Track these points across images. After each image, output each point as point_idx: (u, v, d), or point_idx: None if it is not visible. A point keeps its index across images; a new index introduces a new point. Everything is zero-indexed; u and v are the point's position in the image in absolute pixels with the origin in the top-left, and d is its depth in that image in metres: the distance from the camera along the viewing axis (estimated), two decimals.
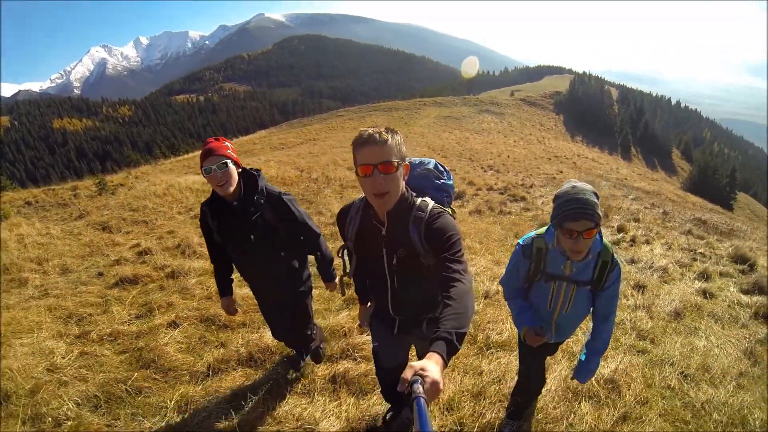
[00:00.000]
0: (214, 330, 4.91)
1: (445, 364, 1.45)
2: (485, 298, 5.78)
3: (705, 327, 5.12)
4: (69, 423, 3.36)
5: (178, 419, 3.48)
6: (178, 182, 14.31)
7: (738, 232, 14.11)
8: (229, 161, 2.84)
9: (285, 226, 3.10)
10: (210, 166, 2.79)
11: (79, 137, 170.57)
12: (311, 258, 3.43)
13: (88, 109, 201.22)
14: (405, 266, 2.22)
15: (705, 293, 6.26)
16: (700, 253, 8.65)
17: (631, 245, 9.15)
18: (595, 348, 2.74)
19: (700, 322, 5.25)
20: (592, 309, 2.70)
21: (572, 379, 2.96)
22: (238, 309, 3.55)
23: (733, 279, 6.97)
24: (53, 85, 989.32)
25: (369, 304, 2.75)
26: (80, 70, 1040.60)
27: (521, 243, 2.62)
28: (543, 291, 2.65)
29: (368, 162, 1.93)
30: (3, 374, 3.83)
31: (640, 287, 6.45)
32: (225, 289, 3.42)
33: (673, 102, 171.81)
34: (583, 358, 2.81)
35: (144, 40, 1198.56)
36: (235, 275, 3.46)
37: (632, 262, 7.84)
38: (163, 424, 3.43)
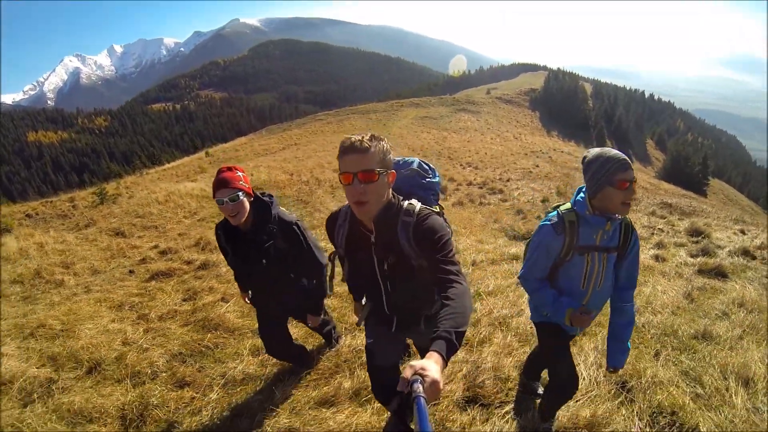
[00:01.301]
0: None
1: (445, 364, 1.48)
2: (473, 265, 6.97)
3: (653, 281, 6.09)
4: (164, 374, 4.08)
5: (255, 360, 4.22)
6: (177, 189, 14.95)
7: (700, 212, 15.49)
8: (240, 193, 2.90)
9: (294, 250, 3.19)
10: (222, 198, 2.86)
11: (55, 150, 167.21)
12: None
13: (63, 120, 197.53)
14: (396, 271, 2.25)
15: (657, 258, 7.29)
16: (659, 228, 9.88)
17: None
18: (624, 328, 2.73)
19: (650, 278, 6.23)
20: (615, 282, 2.68)
21: (610, 368, 2.81)
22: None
23: (686, 248, 8.02)
24: (26, 96, 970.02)
25: (364, 301, 2.77)
26: (54, 80, 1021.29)
27: (549, 222, 2.57)
28: (576, 269, 2.58)
29: (348, 170, 1.94)
30: (86, 348, 4.57)
31: None
32: (244, 288, 3.58)
33: (647, 95, 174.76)
34: (610, 341, 2.78)
35: (118, 48, 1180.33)
36: None
37: None
38: (243, 365, 4.11)
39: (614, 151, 2.37)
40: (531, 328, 4.41)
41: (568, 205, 2.60)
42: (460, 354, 3.97)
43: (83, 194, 17.38)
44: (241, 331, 4.89)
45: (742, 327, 4.54)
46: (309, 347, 4.26)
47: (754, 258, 7.71)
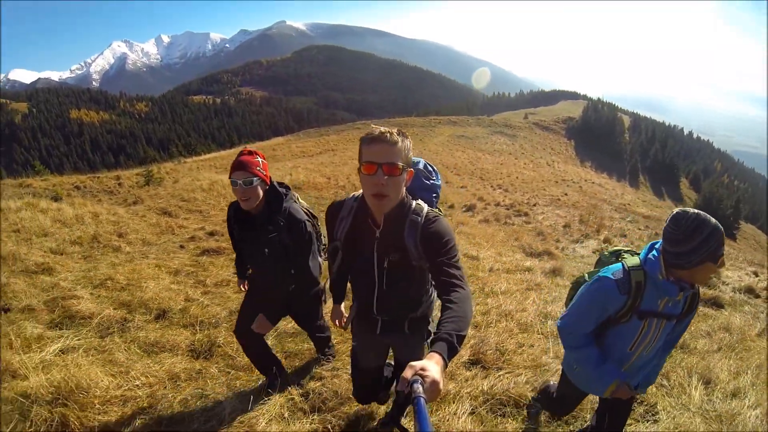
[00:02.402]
0: None
1: (446, 365, 1.48)
2: (490, 271, 7.79)
3: None
4: (225, 325, 4.74)
5: None
6: (221, 179, 15.85)
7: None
8: (255, 179, 2.87)
9: (297, 248, 3.13)
10: (236, 180, 2.84)
11: (95, 129, 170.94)
12: (324, 270, 3.38)
13: (105, 102, 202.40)
14: (395, 269, 2.25)
15: None
16: None
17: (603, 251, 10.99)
18: (653, 372, 2.65)
19: None
20: None
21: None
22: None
23: None
24: (73, 75, 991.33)
25: (343, 304, 2.83)
26: (100, 62, 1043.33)
27: (611, 278, 2.31)
28: (629, 331, 2.37)
29: (373, 160, 1.91)
30: (153, 299, 5.30)
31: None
32: (241, 274, 3.68)
33: (686, 132, 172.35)
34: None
35: (165, 38, 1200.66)
36: None
37: None
38: (292, 323, 4.56)
39: (714, 221, 2.09)
40: (531, 320, 5.13)
41: (637, 260, 2.33)
42: (471, 331, 4.65)
43: (128, 174, 18.43)
44: None
45: (720, 345, 5.11)
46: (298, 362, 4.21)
47: (757, 297, 8.31)
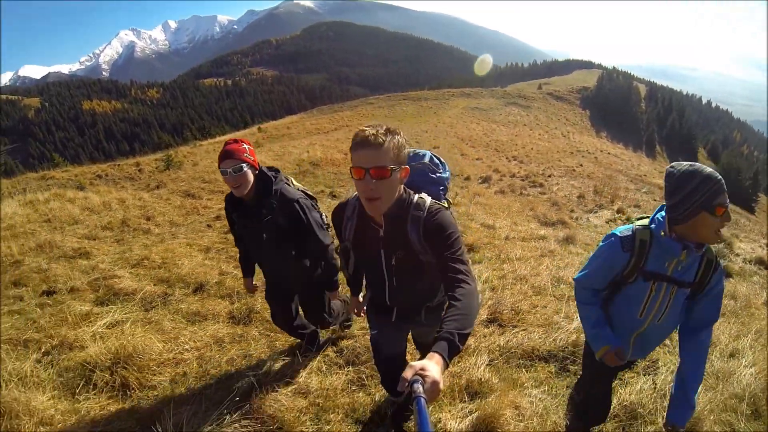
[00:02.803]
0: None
1: (447, 365, 1.48)
2: (506, 239, 8.05)
3: None
4: (261, 294, 4.86)
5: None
6: None
7: (733, 224, 16.01)
8: (244, 165, 2.91)
9: (295, 229, 3.15)
10: (226, 169, 2.89)
11: (108, 119, 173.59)
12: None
13: (117, 91, 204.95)
14: (404, 266, 2.25)
15: None
16: None
17: (626, 221, 11.14)
18: (693, 379, 2.32)
19: None
20: (686, 319, 2.36)
21: (667, 423, 2.37)
22: (258, 287, 3.68)
23: None
24: (82, 67, 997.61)
25: (362, 294, 2.82)
26: (109, 52, 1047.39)
27: (618, 235, 2.30)
28: (637, 294, 2.33)
29: (360, 165, 1.89)
30: (189, 274, 5.68)
31: None
32: (246, 270, 3.64)
33: (704, 101, 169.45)
34: (675, 390, 2.38)
35: (172, 24, 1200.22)
36: None
37: None
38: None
39: (709, 169, 2.07)
40: (544, 283, 5.43)
41: (646, 221, 2.33)
42: (488, 293, 5.02)
43: (147, 160, 18.79)
44: None
45: (724, 311, 5.30)
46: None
47: None
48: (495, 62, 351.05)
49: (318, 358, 3.76)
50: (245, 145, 3.00)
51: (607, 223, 12.03)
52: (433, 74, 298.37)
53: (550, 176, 19.92)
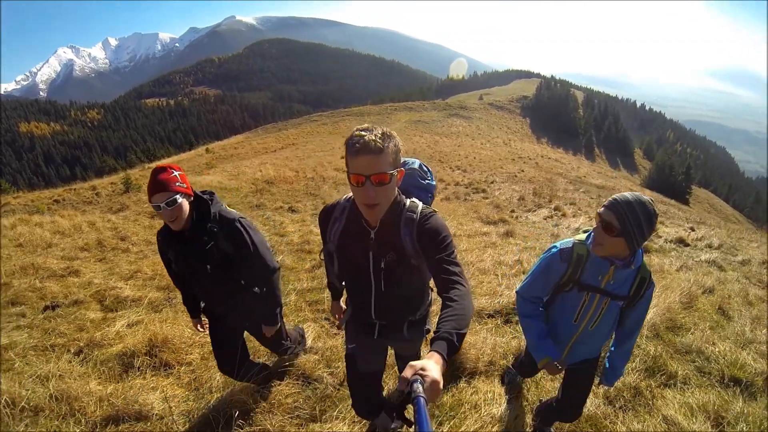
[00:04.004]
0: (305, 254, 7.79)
1: (446, 364, 1.48)
2: (454, 236, 9.19)
3: None
4: None
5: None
6: (197, 181, 16.74)
7: (663, 213, 17.83)
8: (178, 196, 2.68)
9: (240, 253, 2.99)
10: (158, 204, 2.64)
11: (47, 142, 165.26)
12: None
13: (55, 112, 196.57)
14: (393, 269, 2.21)
15: None
16: None
17: (562, 217, 12.58)
18: (621, 358, 2.76)
19: None
20: (617, 326, 2.65)
21: (600, 384, 2.92)
22: (206, 327, 3.44)
23: None
24: (18, 87, 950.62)
25: (343, 303, 2.80)
26: (47, 71, 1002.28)
27: (558, 247, 2.52)
28: (571, 302, 2.56)
29: (360, 173, 1.86)
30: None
31: (555, 236, 9.85)
32: (193, 311, 3.39)
33: (638, 104, 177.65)
34: (608, 365, 2.81)
35: (113, 42, 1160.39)
36: None
37: (556, 225, 11.41)
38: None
39: (622, 197, 2.23)
40: (488, 266, 6.69)
41: (583, 236, 2.52)
42: None
43: (103, 183, 19.11)
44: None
45: None
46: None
47: (686, 245, 9.92)
48: (435, 75, 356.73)
49: (317, 328, 4.72)
50: (176, 172, 2.76)
51: (544, 219, 13.25)
52: (376, 90, 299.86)
53: (492, 182, 21.43)
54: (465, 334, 1.66)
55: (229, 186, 16.61)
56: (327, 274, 2.73)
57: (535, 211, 14.87)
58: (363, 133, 1.85)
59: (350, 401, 2.95)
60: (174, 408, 3.53)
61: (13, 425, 3.27)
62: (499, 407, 3.46)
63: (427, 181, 2.65)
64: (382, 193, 1.93)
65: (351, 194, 2.21)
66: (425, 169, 2.71)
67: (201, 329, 3.42)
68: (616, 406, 3.65)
